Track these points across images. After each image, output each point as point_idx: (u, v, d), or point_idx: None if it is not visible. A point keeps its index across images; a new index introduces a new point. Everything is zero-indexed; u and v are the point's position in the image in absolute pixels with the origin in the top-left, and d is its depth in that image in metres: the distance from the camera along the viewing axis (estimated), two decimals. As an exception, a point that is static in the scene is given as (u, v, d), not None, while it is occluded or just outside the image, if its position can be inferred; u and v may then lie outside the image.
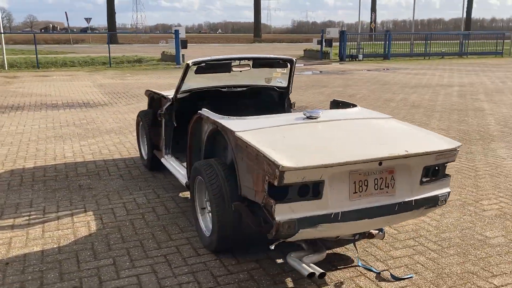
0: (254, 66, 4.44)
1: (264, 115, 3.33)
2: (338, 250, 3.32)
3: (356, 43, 27.51)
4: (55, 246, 3.40)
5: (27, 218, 3.92)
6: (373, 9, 54.18)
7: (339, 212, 2.55)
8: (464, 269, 3.05)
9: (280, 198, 2.48)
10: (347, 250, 3.30)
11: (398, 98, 11.12)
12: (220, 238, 3.07)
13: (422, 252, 3.28)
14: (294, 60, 4.55)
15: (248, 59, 4.35)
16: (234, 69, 4.34)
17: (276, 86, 4.87)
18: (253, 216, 2.73)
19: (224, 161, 3.24)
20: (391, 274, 2.93)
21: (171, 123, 4.49)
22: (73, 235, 3.59)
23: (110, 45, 23.34)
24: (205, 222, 3.40)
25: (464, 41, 29.23)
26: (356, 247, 3.21)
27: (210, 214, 3.22)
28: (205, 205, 3.43)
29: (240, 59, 4.29)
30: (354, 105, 3.73)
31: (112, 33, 44.21)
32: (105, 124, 7.93)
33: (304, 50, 29.57)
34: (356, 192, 2.59)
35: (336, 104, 4.09)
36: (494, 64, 23.12)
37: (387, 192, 2.68)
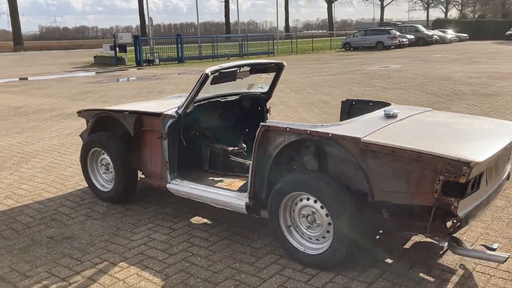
0: (251, 72, 4.33)
1: (351, 119, 3.35)
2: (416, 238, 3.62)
3: (149, 47, 27.33)
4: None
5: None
6: (140, 13, 54.76)
7: (485, 199, 2.88)
8: None
9: (458, 195, 2.66)
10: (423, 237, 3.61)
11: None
12: (343, 251, 3.03)
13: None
14: (284, 64, 4.60)
15: (248, 65, 4.22)
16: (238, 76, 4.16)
17: (261, 92, 4.82)
18: (422, 220, 2.82)
19: (326, 171, 3.19)
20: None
21: (176, 142, 4.03)
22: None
23: None
24: (297, 240, 3.28)
25: (243, 42, 31.99)
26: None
27: (308, 229, 3.18)
28: (291, 223, 3.30)
29: (242, 65, 4.14)
30: (388, 103, 4.02)
31: None
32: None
33: (95, 57, 28.03)
34: (488, 178, 2.96)
35: (350, 103, 4.30)
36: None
37: (498, 173, 3.12)
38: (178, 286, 3.04)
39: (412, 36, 39.13)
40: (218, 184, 3.93)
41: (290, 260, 3.30)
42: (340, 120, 4.34)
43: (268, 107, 4.95)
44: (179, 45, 27.18)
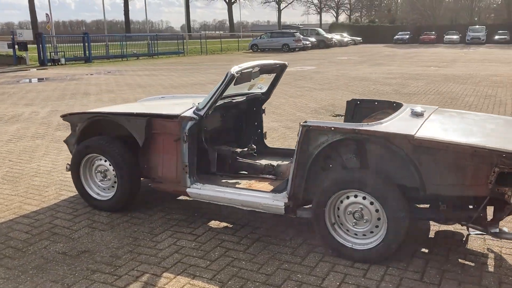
0: (261, 73, 4.31)
1: (387, 118, 3.49)
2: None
3: (52, 45, 25.52)
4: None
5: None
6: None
7: None
8: None
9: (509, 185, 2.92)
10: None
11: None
12: (397, 244, 3.17)
13: None
14: (287, 65, 4.63)
15: (260, 65, 4.21)
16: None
17: (261, 93, 4.80)
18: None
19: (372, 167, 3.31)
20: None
21: (195, 145, 3.89)
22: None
23: None
24: (342, 237, 3.36)
25: (152, 42, 31.20)
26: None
27: (357, 226, 3.28)
28: (335, 220, 3.38)
29: (256, 66, 4.12)
30: (395, 102, 4.22)
31: None
32: None
33: (-14, 55, 25.47)
34: None
35: (355, 103, 4.44)
36: (193, 62, 25.87)
37: None
38: (239, 292, 2.97)
39: (314, 39, 41.06)
40: (241, 187, 3.87)
41: (334, 257, 3.37)
42: (345, 119, 4.50)
43: (263, 108, 4.96)
44: (86, 44, 25.76)
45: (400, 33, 51.95)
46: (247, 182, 4.03)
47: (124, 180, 4.13)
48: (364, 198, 3.24)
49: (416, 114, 3.58)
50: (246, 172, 4.34)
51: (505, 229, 3.26)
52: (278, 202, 3.53)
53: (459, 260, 3.33)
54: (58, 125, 8.38)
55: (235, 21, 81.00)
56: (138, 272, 3.23)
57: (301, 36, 37.97)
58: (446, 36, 49.87)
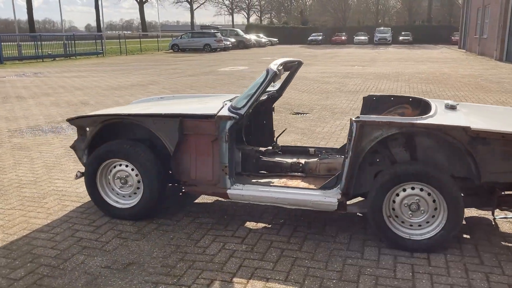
0: (285, 70, 4.26)
1: (430, 113, 3.60)
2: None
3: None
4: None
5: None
6: None
7: None
8: None
9: None
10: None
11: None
12: (451, 234, 3.32)
13: None
14: (303, 62, 4.62)
15: (285, 62, 4.16)
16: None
17: (275, 91, 4.73)
18: None
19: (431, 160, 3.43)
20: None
21: (234, 144, 3.76)
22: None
23: None
24: (398, 229, 3.44)
25: (68, 42, 29.46)
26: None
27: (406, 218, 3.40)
28: (390, 213, 3.45)
29: (283, 63, 4.07)
30: (410, 97, 4.35)
31: None
32: None
33: None
34: None
35: (371, 99, 4.54)
36: (121, 63, 24.82)
37: None
38: (322, 291, 2.94)
39: (233, 40, 41.30)
40: (277, 185, 3.81)
41: (392, 249, 3.44)
42: (361, 113, 4.59)
43: (273, 106, 4.92)
44: (-4, 44, 23.71)
45: (313, 34, 53.92)
46: (279, 181, 3.98)
47: (152, 186, 3.89)
48: (421, 189, 3.34)
49: (451, 107, 3.76)
50: (266, 172, 4.26)
51: None
52: (330, 198, 3.53)
53: (502, 242, 3.55)
54: (10, 131, 7.65)
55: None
56: (205, 280, 3.06)
57: (222, 37, 38.03)
58: (356, 37, 52.68)
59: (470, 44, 33.74)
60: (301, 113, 9.19)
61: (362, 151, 3.42)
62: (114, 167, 4.02)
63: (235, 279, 3.07)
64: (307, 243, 3.58)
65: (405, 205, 3.40)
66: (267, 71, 3.71)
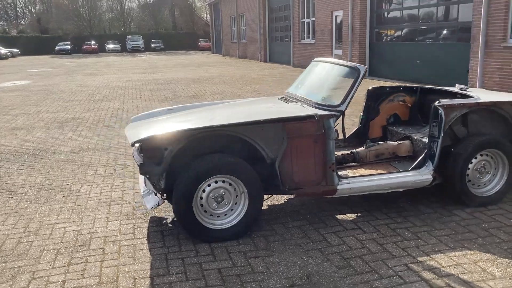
0: None
1: (476, 94, 4.30)
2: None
3: None
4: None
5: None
6: None
7: None
8: None
9: None
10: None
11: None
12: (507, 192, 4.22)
13: None
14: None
15: None
16: None
17: None
18: None
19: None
20: None
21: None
22: None
23: None
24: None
25: None
26: None
27: None
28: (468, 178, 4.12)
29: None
30: (412, 86, 5.06)
31: None
32: None
33: None
34: None
35: (371, 92, 5.07)
36: None
37: None
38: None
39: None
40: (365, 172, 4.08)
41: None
42: (366, 105, 5.15)
43: None
44: None
45: (60, 43, 50.26)
46: (352, 171, 4.22)
47: (257, 199, 3.63)
48: (487, 155, 4.13)
49: (465, 89, 4.67)
50: None
51: None
52: (426, 176, 4.00)
53: None
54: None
55: None
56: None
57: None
58: (107, 46, 51.47)
59: (227, 49, 37.22)
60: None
61: (441, 132, 4.00)
62: (209, 185, 3.56)
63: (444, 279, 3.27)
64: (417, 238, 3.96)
65: (476, 169, 4.12)
66: (359, 70, 3.91)
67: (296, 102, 4.25)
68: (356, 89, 3.92)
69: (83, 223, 4.08)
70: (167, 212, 4.21)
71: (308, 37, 20.88)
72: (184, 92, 13.40)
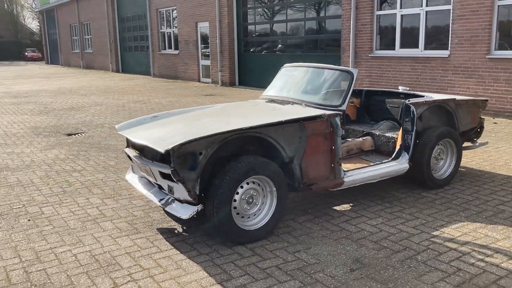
0: None
1: (428, 94, 5.02)
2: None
3: None
4: None
5: None
6: None
7: None
8: None
9: None
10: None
11: None
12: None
13: None
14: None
15: None
16: None
17: None
18: None
19: None
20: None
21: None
22: None
23: None
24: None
25: None
26: None
27: None
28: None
29: None
30: (392, 90, 5.60)
31: None
32: None
33: None
34: None
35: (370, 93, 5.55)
36: None
37: None
38: None
39: None
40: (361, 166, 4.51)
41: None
42: (360, 104, 5.65)
43: None
44: None
45: None
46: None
47: (284, 198, 3.78)
48: (441, 144, 4.90)
49: (408, 90, 5.43)
50: None
51: None
52: (404, 165, 4.59)
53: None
54: None
55: None
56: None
57: None
58: None
59: (67, 59, 34.76)
60: (75, 134, 8.46)
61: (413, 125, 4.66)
62: (241, 187, 3.58)
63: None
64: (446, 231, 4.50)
65: (434, 157, 4.86)
66: (350, 72, 4.30)
67: (292, 104, 4.46)
68: (351, 91, 4.33)
69: (86, 244, 3.69)
70: (160, 222, 4.05)
71: (170, 48, 20.83)
72: (56, 105, 12.32)
